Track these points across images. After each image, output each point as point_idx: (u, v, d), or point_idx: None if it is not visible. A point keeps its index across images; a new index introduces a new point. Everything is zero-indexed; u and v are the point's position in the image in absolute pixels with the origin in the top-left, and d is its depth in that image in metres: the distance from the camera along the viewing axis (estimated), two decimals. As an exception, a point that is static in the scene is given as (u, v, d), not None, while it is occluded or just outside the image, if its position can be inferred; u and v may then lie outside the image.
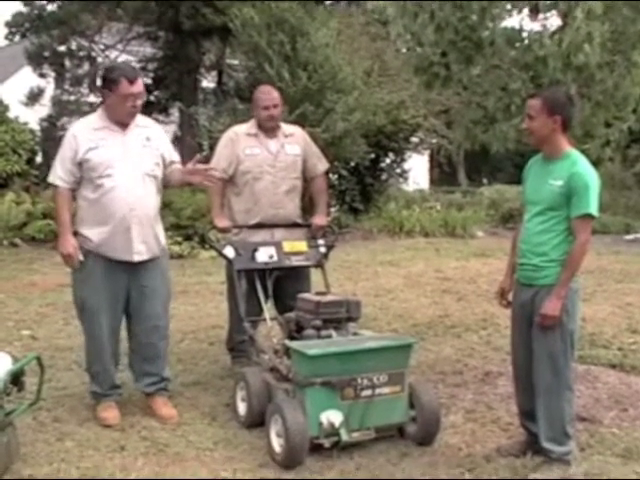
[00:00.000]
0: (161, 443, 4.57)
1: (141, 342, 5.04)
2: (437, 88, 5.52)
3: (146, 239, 4.87)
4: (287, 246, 5.52)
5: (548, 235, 4.13)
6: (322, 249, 5.67)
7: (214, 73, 19.13)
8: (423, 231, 16.33)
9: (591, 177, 4.09)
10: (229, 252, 5.36)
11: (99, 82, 5.07)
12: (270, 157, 5.66)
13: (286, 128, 5.85)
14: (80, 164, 4.76)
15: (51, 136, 17.39)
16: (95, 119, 4.92)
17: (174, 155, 5.16)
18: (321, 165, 5.94)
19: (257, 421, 4.75)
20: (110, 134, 4.82)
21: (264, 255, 5.40)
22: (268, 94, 5.80)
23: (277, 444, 4.37)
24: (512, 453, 4.40)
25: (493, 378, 5.38)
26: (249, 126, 5.79)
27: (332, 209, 16.57)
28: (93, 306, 4.87)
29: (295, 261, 5.53)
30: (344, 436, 4.37)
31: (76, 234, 4.86)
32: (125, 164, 4.79)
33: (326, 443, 4.37)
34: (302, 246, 5.61)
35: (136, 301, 4.95)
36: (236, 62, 17.45)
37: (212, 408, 5.20)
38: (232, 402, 5.09)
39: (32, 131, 16.88)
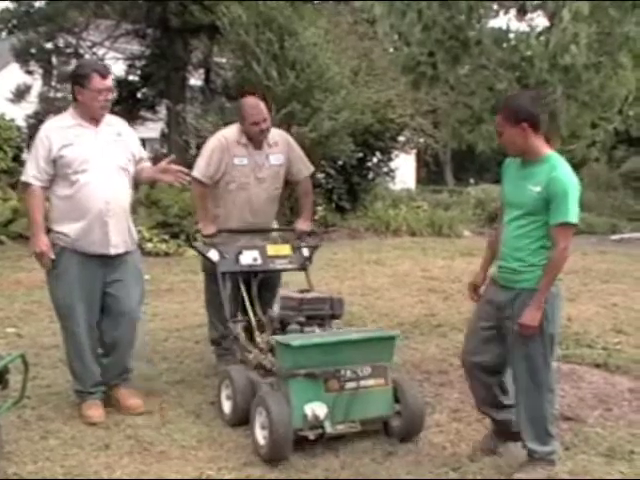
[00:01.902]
0: (146, 441, 4.57)
1: (112, 335, 5.03)
2: (424, 87, 5.52)
3: (122, 232, 4.94)
4: (271, 249, 5.57)
5: (526, 240, 4.09)
6: (305, 252, 5.68)
7: (202, 71, 19.07)
8: (410, 230, 16.34)
9: (570, 182, 4.01)
10: (213, 255, 5.39)
11: (70, 80, 5.05)
12: (256, 168, 5.66)
13: (271, 136, 5.75)
14: (54, 161, 4.77)
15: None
16: (66, 117, 4.96)
17: (143, 152, 5.26)
18: (306, 170, 5.93)
19: (242, 419, 4.75)
20: (82, 131, 4.85)
21: (248, 258, 5.44)
22: (256, 109, 5.63)
23: (261, 436, 4.39)
24: (488, 448, 4.43)
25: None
26: (238, 134, 5.68)
27: (319, 207, 16.57)
28: (70, 303, 4.88)
29: (279, 264, 5.57)
30: (328, 428, 4.38)
31: (49, 232, 4.88)
32: (99, 159, 4.83)
33: (310, 435, 4.38)
34: (286, 249, 5.65)
35: (111, 295, 4.96)
36: (224, 60, 17.39)
37: (197, 406, 5.19)
38: (217, 401, 5.09)
39: (19, 128, 16.76)
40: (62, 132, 4.82)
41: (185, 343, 6.81)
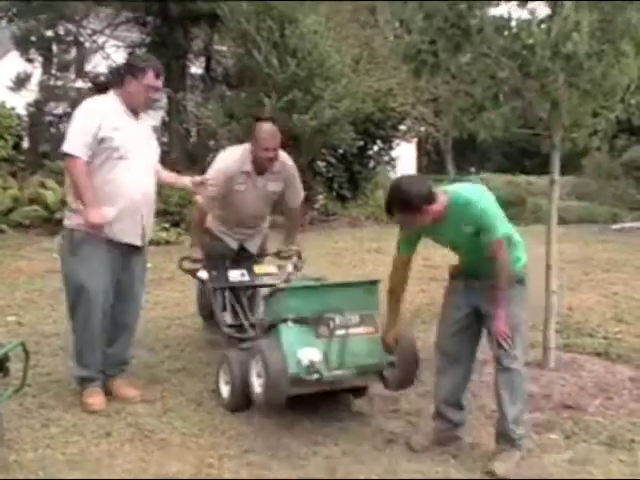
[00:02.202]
0: (147, 429, 4.58)
1: (118, 320, 5.05)
2: (425, 76, 5.50)
3: (150, 225, 5.05)
4: (257, 269, 5.94)
5: (489, 261, 4.18)
6: (290, 268, 5.95)
7: (202, 59, 19.02)
8: (411, 219, 16.30)
9: (477, 198, 4.14)
10: (202, 274, 5.74)
11: (123, 69, 5.14)
12: (254, 192, 5.82)
13: (276, 164, 5.82)
14: (101, 140, 4.70)
15: (38, 121, 17.28)
16: (110, 100, 4.91)
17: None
18: (298, 199, 6.12)
19: (240, 404, 4.84)
20: (127, 119, 4.88)
21: (236, 275, 5.78)
22: (272, 136, 5.72)
23: (257, 385, 4.51)
24: (425, 447, 4.43)
25: (479, 366, 5.37)
26: (244, 161, 5.75)
27: (320, 196, 16.57)
28: (91, 288, 4.79)
29: (266, 279, 5.89)
30: (325, 372, 4.43)
31: (69, 211, 4.89)
32: (139, 151, 4.89)
33: (308, 377, 4.42)
34: (271, 269, 6.05)
35: (125, 284, 4.99)
36: (224, 48, 17.36)
37: (198, 394, 5.20)
38: (215, 386, 5.12)
39: (19, 116, 16.75)
40: (111, 114, 4.80)
41: (186, 331, 6.81)
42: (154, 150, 5.16)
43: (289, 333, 4.54)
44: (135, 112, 4.94)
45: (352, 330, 4.59)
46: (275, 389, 4.39)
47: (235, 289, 5.73)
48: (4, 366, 4.30)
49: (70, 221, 4.86)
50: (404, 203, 4.09)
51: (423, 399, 5.06)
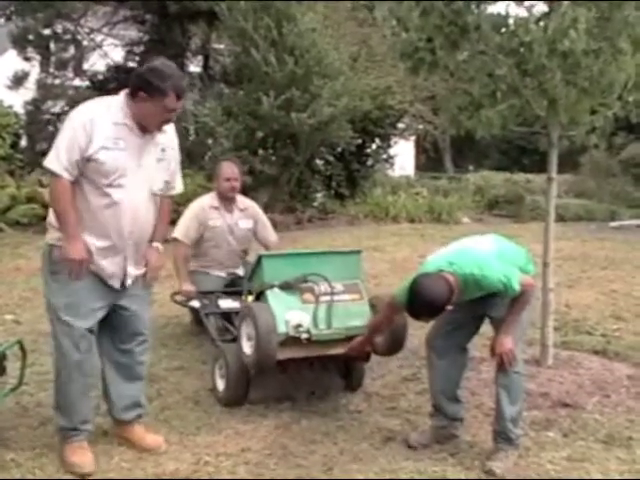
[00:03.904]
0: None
1: (121, 361, 4.34)
2: (423, 73, 5.51)
3: (139, 263, 4.21)
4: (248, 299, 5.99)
5: None
6: None
7: (200, 57, 19.01)
8: (409, 217, 16.32)
9: (479, 268, 4.09)
10: (195, 304, 6.00)
11: (137, 80, 3.96)
12: (228, 230, 6.48)
13: (240, 202, 6.62)
14: (89, 160, 3.87)
15: (36, 120, 17.25)
16: (116, 109, 3.97)
17: (177, 179, 4.34)
18: (271, 237, 6.69)
19: (236, 397, 4.94)
20: (128, 135, 3.95)
21: (227, 302, 5.93)
22: (230, 168, 6.54)
23: (248, 346, 4.67)
24: (424, 444, 4.44)
25: (476, 363, 5.39)
26: (212, 198, 6.54)
27: (318, 194, 16.56)
28: (76, 327, 4.04)
29: None
30: (314, 331, 4.63)
31: (51, 229, 4.09)
32: (137, 177, 4.00)
33: (297, 335, 4.61)
34: None
35: (124, 312, 4.23)
36: (222, 46, 17.35)
37: (195, 393, 5.20)
38: (211, 379, 5.16)
39: (16, 115, 16.72)
40: (107, 127, 3.90)
41: (184, 329, 6.81)
42: (161, 177, 4.16)
43: (276, 298, 4.75)
44: (145, 130, 4.03)
45: (337, 297, 4.81)
46: (265, 349, 4.52)
47: (227, 314, 5.83)
48: (1, 364, 4.31)
49: (51, 235, 4.06)
50: (433, 311, 4.11)
51: (421, 397, 5.06)
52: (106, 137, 3.88)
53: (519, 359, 4.24)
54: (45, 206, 13.48)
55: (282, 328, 4.61)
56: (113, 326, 4.23)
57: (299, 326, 4.63)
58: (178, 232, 6.38)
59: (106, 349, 4.30)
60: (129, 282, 4.15)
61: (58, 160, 3.87)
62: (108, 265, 4.05)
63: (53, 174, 3.90)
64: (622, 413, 4.92)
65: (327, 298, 4.80)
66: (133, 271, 4.16)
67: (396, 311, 4.48)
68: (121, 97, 3.99)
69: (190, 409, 4.94)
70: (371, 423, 4.75)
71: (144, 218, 4.11)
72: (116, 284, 4.11)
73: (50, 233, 4.07)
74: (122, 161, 3.93)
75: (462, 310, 4.35)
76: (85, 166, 3.89)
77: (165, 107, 3.93)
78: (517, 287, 4.04)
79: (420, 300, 4.02)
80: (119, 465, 4.12)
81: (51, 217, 4.07)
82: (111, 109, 3.96)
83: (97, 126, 3.86)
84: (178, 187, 4.35)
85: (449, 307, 4.09)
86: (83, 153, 3.85)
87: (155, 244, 4.29)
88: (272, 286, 4.80)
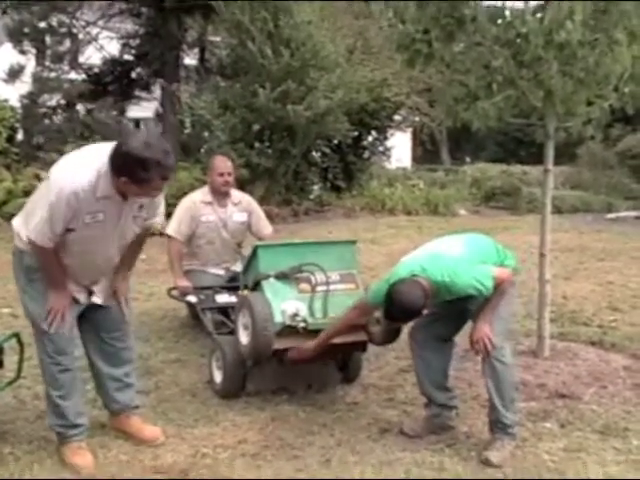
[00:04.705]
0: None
1: (109, 358, 4.35)
2: (419, 65, 5.49)
3: (103, 287, 4.18)
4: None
5: None
6: None
7: (196, 50, 18.99)
8: (405, 209, 16.33)
9: (449, 275, 4.12)
10: (192, 298, 6.00)
11: (120, 166, 3.67)
12: (221, 224, 6.45)
13: (234, 196, 6.58)
14: (67, 230, 3.80)
15: (32, 113, 17.24)
16: (100, 184, 3.73)
17: (158, 216, 4.22)
18: (266, 230, 6.65)
19: (233, 389, 4.95)
20: (109, 205, 3.81)
21: (224, 297, 5.93)
22: (223, 163, 6.50)
23: (244, 336, 4.71)
24: (417, 432, 4.46)
25: (473, 355, 5.39)
26: (204, 194, 6.52)
27: (315, 187, 16.56)
28: (54, 336, 4.00)
29: None
30: (310, 320, 4.64)
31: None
32: (111, 237, 3.96)
33: (295, 324, 4.62)
34: None
35: (97, 315, 4.22)
36: (218, 39, 17.32)
37: (192, 385, 5.20)
38: (209, 371, 5.17)
39: (12, 108, 16.69)
40: (91, 203, 3.74)
41: (181, 322, 6.81)
42: (136, 227, 4.06)
43: (272, 288, 4.76)
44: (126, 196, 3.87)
45: (333, 287, 4.83)
46: (262, 338, 4.55)
47: (223, 309, 5.83)
48: (-2, 358, 4.30)
49: (20, 240, 3.99)
50: (410, 316, 4.19)
51: (418, 388, 5.06)
52: (88, 212, 3.77)
53: (502, 348, 4.23)
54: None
55: (279, 318, 4.63)
56: (94, 319, 4.23)
57: (296, 315, 4.64)
58: (171, 229, 6.36)
59: (91, 340, 4.30)
60: (96, 300, 4.15)
61: (42, 233, 3.77)
62: (72, 286, 4.05)
63: (32, 241, 3.81)
64: (619, 404, 4.93)
65: (323, 288, 4.82)
66: (99, 291, 4.17)
67: (367, 313, 4.50)
68: (106, 168, 3.72)
69: (187, 401, 4.94)
70: (368, 414, 4.75)
71: (110, 263, 4.12)
72: (82, 299, 4.12)
73: (20, 238, 3.98)
74: (98, 232, 3.86)
75: (442, 306, 4.39)
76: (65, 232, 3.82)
77: (150, 189, 3.78)
78: (490, 285, 4.08)
79: (398, 306, 4.07)
80: (117, 458, 4.12)
81: (19, 222, 4.00)
82: (97, 184, 3.72)
83: (82, 202, 3.71)
84: (158, 219, 4.22)
85: (425, 311, 4.20)
86: (66, 226, 3.77)
87: (122, 274, 4.25)
88: (268, 276, 4.81)
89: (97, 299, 4.17)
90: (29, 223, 3.85)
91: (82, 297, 4.12)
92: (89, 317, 4.21)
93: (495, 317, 4.20)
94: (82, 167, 3.76)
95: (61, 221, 3.73)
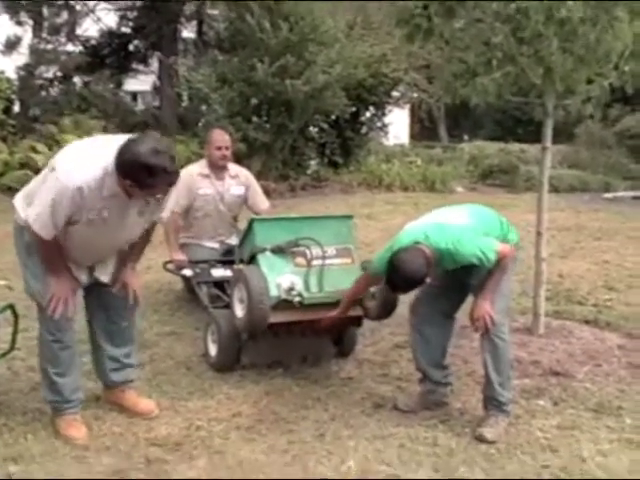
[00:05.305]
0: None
1: (108, 327, 4.33)
2: (419, 41, 5.46)
3: (109, 268, 4.18)
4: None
5: None
6: None
7: (194, 23, 18.89)
8: (402, 185, 16.29)
9: (453, 243, 4.12)
10: (187, 272, 5.94)
11: (127, 170, 3.62)
12: (218, 197, 6.43)
13: (232, 169, 6.58)
14: (69, 222, 3.77)
15: (28, 85, 17.14)
16: (106, 182, 3.69)
17: (165, 211, 4.28)
18: (262, 204, 6.64)
19: (227, 362, 4.97)
20: (114, 202, 3.77)
21: (219, 271, 5.90)
22: (221, 136, 6.51)
23: (240, 309, 4.70)
24: (411, 408, 4.47)
25: (469, 332, 5.39)
26: (201, 167, 6.52)
27: (312, 162, 16.52)
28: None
29: None
30: (305, 294, 4.66)
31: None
32: (114, 232, 3.93)
33: (291, 298, 4.63)
34: None
35: (103, 294, 4.23)
36: (216, 12, 17.22)
37: (187, 358, 5.21)
38: (204, 344, 5.18)
39: (9, 80, 16.59)
40: (96, 200, 3.70)
41: (177, 295, 6.81)
42: (141, 226, 4.06)
43: (268, 262, 4.77)
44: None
45: (329, 261, 4.84)
46: (257, 311, 4.54)
47: (219, 283, 5.81)
48: (-8, 329, 4.30)
49: (20, 215, 3.98)
50: (412, 284, 4.16)
51: (413, 364, 5.05)
52: (92, 209, 3.73)
53: (502, 325, 4.24)
54: (38, 172, 13.41)
55: (274, 291, 4.63)
56: (102, 297, 4.23)
57: (291, 289, 4.64)
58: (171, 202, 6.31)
59: (97, 319, 4.30)
60: (101, 278, 4.15)
61: (44, 225, 3.75)
62: (72, 266, 4.03)
63: (33, 230, 3.79)
64: (613, 382, 4.94)
65: (319, 262, 4.82)
66: (102, 271, 4.15)
67: (373, 283, 4.50)
68: (108, 169, 3.67)
69: (182, 374, 4.94)
70: (362, 389, 4.76)
71: (113, 252, 4.14)
72: (84, 279, 4.10)
73: (19, 215, 3.98)
74: (101, 227, 3.83)
75: (444, 278, 4.39)
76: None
77: (155, 193, 3.79)
78: (493, 258, 4.06)
79: (400, 274, 4.05)
80: (111, 430, 4.12)
81: (20, 200, 3.99)
82: (103, 182, 3.68)
83: (86, 199, 3.67)
84: (164, 215, 4.33)
85: (427, 280, 4.16)
86: (69, 219, 3.74)
87: (131, 265, 4.24)
88: (264, 250, 4.80)
89: (102, 277, 4.15)
90: (30, 209, 3.83)
91: (83, 277, 4.10)
92: (97, 295, 4.22)
93: (496, 294, 4.20)
94: (89, 163, 3.71)
95: (63, 215, 3.71)
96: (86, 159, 3.75)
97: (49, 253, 3.90)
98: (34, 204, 3.80)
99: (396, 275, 4.06)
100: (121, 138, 3.72)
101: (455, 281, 4.37)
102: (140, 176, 3.61)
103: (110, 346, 4.34)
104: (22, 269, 4.10)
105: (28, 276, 4.05)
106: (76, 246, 3.93)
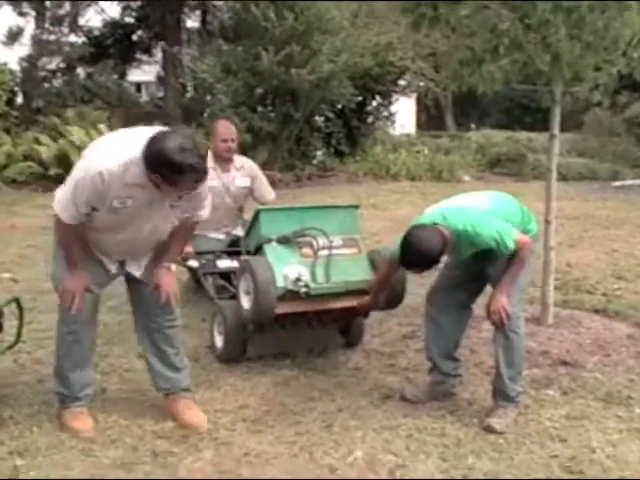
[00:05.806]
0: (142, 386, 4.54)
1: (150, 330, 4.22)
2: (425, 29, 5.41)
3: (139, 265, 4.12)
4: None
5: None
6: None
7: (198, 13, 18.85)
8: (409, 175, 16.25)
9: (472, 225, 4.09)
10: (193, 263, 5.90)
11: (154, 165, 3.55)
12: (224, 189, 6.33)
13: (237, 161, 6.49)
14: (94, 210, 3.72)
15: (31, 76, 17.13)
16: (131, 170, 3.61)
17: (204, 209, 4.06)
18: (268, 195, 6.56)
19: (234, 353, 4.96)
20: (140, 192, 3.69)
21: (225, 262, 5.90)
22: (227, 128, 6.43)
23: (246, 301, 4.66)
24: (419, 398, 4.46)
25: (477, 322, 5.36)
26: (207, 159, 6.14)
27: (318, 152, 16.48)
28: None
29: None
30: (312, 285, 4.62)
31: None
32: (139, 224, 3.85)
33: (298, 289, 4.61)
34: None
35: (143, 294, 4.16)
36: (221, 2, 17.17)
37: (194, 350, 5.18)
38: (210, 336, 5.17)
39: (12, 71, 16.56)
40: (119, 188, 3.63)
41: (182, 287, 6.75)
42: (173, 220, 3.93)
43: (274, 252, 4.74)
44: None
45: (335, 251, 4.81)
46: (264, 302, 4.51)
47: (225, 274, 5.78)
48: (-2, 322, 4.28)
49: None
50: (426, 261, 4.06)
51: (420, 355, 5.03)
52: (116, 197, 3.67)
53: (518, 318, 4.21)
54: (41, 164, 13.43)
55: (281, 282, 4.60)
56: (135, 293, 4.18)
57: (298, 280, 4.61)
58: None
59: (134, 313, 4.24)
60: (133, 272, 4.08)
61: (67, 210, 3.73)
62: (102, 257, 4.02)
63: (56, 216, 3.79)
64: (622, 372, 4.91)
65: (326, 252, 4.79)
66: (134, 266, 4.09)
67: (395, 268, 4.45)
68: (135, 157, 3.60)
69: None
70: (370, 380, 4.74)
71: (141, 247, 4.04)
72: (114, 270, 4.07)
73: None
74: (126, 217, 3.78)
75: (462, 267, 4.35)
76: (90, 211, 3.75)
77: (182, 189, 3.69)
78: (511, 245, 4.01)
79: (413, 249, 4.01)
80: (117, 422, 4.11)
81: (59, 192, 3.87)
82: (126, 170, 3.61)
83: (107, 185, 3.61)
84: (204, 214, 4.07)
85: (442, 260, 4.11)
86: (92, 206, 3.70)
87: (166, 264, 4.09)
88: (270, 240, 4.78)
89: (135, 272, 4.08)
90: (58, 192, 3.84)
91: (113, 268, 4.06)
92: (133, 290, 4.18)
93: (513, 286, 4.16)
94: (114, 151, 3.68)
95: (84, 200, 3.66)
96: (113, 147, 3.74)
97: (66, 239, 3.88)
98: (61, 188, 3.85)
99: (410, 250, 4.02)
100: (153, 130, 3.68)
101: (472, 271, 4.34)
102: (164, 171, 3.55)
103: (159, 365, 4.22)
104: (53, 255, 4.11)
105: (55, 263, 4.07)
106: (102, 234, 3.90)
